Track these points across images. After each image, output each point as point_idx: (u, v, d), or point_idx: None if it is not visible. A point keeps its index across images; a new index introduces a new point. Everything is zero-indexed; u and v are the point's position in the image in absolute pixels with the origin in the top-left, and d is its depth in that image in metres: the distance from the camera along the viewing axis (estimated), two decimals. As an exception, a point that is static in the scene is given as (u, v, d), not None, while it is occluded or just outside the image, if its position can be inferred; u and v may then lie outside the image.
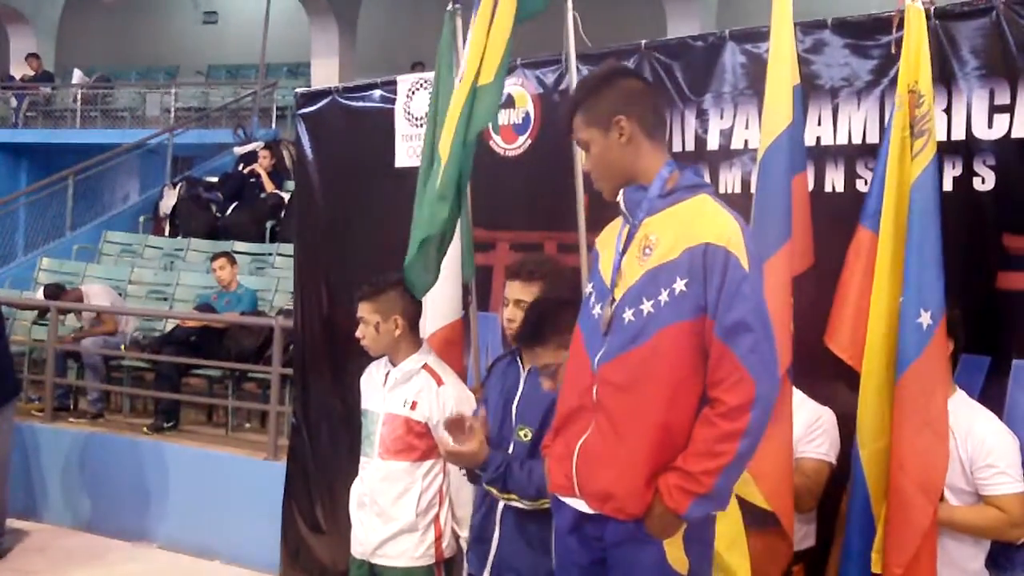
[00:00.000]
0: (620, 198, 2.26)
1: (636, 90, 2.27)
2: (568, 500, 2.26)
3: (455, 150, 2.97)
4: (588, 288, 2.36)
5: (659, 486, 2.11)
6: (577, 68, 3.22)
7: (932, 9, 2.74)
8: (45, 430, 6.29)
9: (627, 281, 2.19)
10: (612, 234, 2.34)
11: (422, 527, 3.11)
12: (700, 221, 2.13)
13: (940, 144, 2.65)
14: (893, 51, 2.80)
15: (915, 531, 2.50)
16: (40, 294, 7.61)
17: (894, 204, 2.60)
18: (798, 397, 2.87)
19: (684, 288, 2.10)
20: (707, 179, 3.26)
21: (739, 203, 3.08)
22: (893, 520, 2.55)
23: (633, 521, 2.14)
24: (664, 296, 2.11)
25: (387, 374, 3.19)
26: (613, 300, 2.20)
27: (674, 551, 2.14)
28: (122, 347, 6.95)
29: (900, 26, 2.70)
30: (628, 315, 2.16)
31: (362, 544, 3.20)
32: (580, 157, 3.18)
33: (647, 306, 2.13)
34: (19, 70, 15.89)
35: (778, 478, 2.63)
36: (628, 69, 2.43)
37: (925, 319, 2.52)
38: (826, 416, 2.87)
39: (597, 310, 2.26)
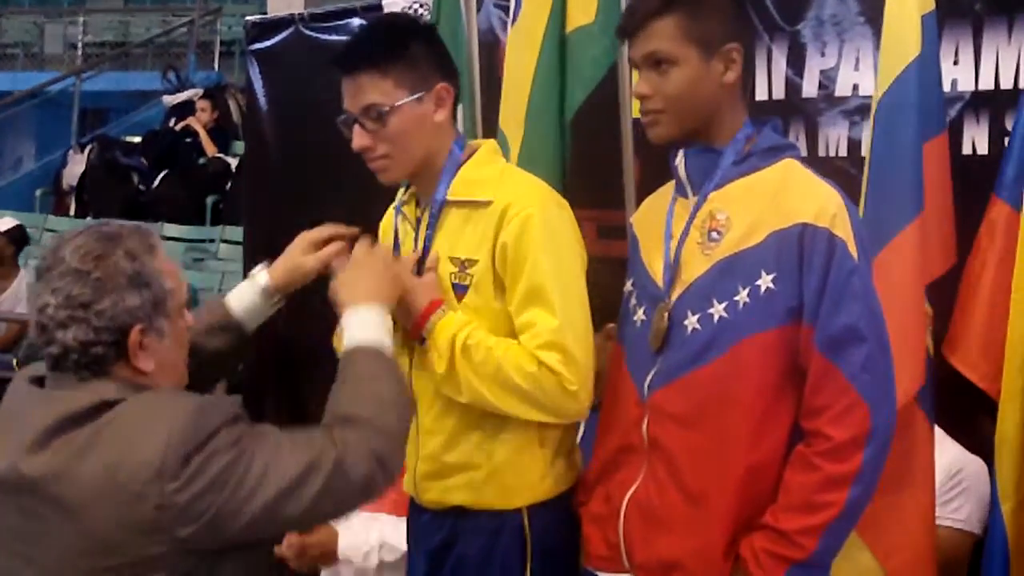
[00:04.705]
0: (678, 162, 2.22)
1: (747, 21, 2.24)
2: None
3: (545, 122, 2.89)
4: (627, 286, 2.36)
5: (742, 552, 2.10)
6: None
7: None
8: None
9: (687, 277, 2.18)
10: (656, 211, 2.31)
11: None
12: (790, 194, 2.11)
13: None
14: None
15: None
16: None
17: None
18: (935, 438, 2.85)
19: (772, 285, 2.09)
20: (799, 138, 3.27)
21: (846, 171, 3.11)
22: None
23: None
24: (743, 296, 2.10)
25: None
26: (668, 303, 2.19)
27: None
28: (15, 362, 7.01)
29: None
30: (692, 322, 2.15)
31: None
32: (629, 111, 3.20)
33: (719, 310, 2.13)
34: None
35: (914, 560, 2.55)
36: None
37: None
38: (970, 468, 2.83)
39: (641, 315, 2.25)
